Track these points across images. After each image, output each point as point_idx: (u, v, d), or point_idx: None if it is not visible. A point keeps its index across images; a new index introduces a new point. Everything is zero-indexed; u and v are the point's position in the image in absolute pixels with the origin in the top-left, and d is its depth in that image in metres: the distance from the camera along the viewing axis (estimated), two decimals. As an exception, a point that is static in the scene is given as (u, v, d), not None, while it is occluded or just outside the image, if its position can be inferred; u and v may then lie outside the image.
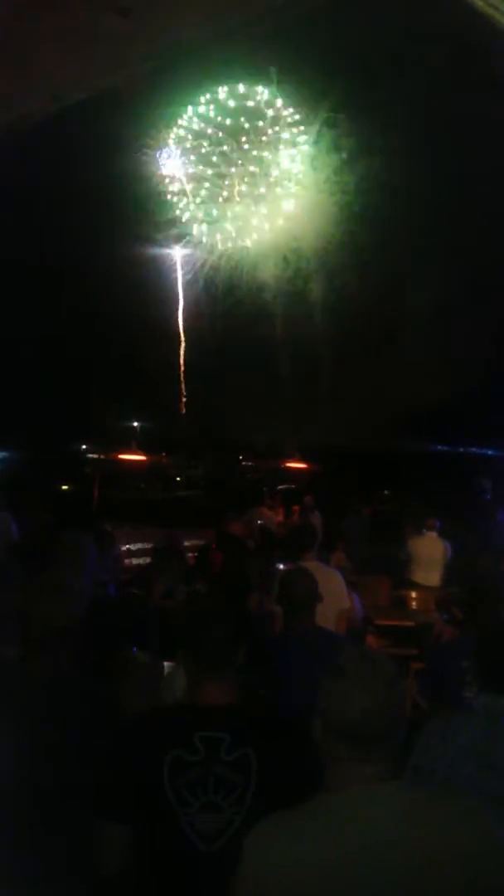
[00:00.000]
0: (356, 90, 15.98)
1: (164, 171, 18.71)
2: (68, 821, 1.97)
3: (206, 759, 1.91)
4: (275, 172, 18.81)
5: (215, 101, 17.71)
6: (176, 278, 20.96)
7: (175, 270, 20.89)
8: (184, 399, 22.21)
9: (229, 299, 20.30)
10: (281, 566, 5.91)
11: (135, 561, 9.40)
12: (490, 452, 21.06)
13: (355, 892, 1.39)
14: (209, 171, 18.72)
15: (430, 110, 15.14)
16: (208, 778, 1.90)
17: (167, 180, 18.86)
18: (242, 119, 17.87)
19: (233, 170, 18.66)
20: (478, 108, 12.09)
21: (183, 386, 22.24)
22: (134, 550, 10.25)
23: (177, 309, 21.67)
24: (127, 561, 9.37)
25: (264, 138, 18.13)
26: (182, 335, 22.01)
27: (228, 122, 17.95)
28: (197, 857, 1.86)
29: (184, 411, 22.14)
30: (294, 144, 18.23)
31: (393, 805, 1.45)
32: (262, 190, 19.05)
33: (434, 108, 14.93)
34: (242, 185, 18.91)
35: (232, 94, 17.54)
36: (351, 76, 15.49)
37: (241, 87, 17.48)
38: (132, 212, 18.45)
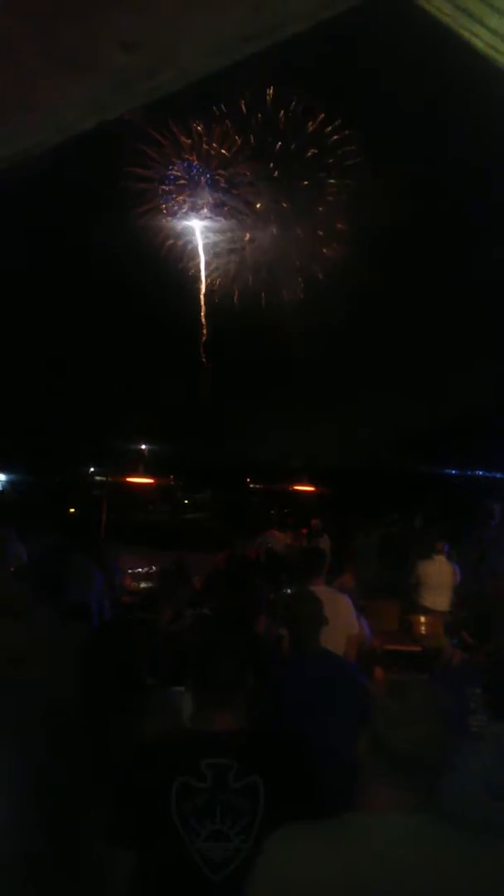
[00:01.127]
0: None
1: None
2: (74, 848, 1.94)
3: (214, 787, 1.89)
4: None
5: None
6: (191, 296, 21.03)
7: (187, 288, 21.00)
8: (191, 422, 22.27)
9: (238, 320, 20.42)
10: (288, 590, 5.86)
11: (142, 584, 9.35)
12: (499, 476, 20.97)
13: None
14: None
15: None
16: (216, 806, 1.88)
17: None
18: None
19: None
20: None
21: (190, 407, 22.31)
22: (141, 574, 10.19)
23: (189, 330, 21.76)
24: (134, 584, 9.33)
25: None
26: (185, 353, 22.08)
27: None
28: (205, 886, 1.84)
29: (191, 435, 22.20)
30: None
31: (418, 836, 1.44)
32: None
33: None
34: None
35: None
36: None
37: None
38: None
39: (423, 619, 7.65)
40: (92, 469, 25.87)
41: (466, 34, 1.37)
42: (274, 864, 1.47)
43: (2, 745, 1.96)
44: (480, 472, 22.40)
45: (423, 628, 7.46)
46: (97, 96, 1.33)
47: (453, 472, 23.79)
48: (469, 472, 23.13)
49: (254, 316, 20.35)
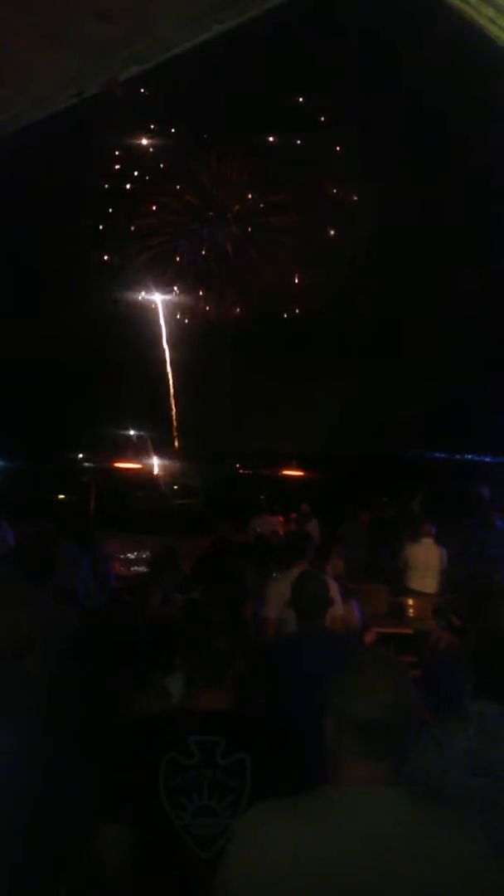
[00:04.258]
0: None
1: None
2: (62, 821, 1.96)
3: (201, 763, 1.92)
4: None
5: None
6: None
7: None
8: (179, 408, 22.22)
9: (229, 301, 20.36)
10: (274, 574, 5.87)
11: (132, 570, 9.36)
12: (488, 459, 21.08)
13: (341, 886, 1.39)
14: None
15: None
16: (203, 782, 1.91)
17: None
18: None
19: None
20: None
21: (176, 394, 22.26)
22: (131, 559, 10.20)
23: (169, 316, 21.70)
24: (124, 569, 9.33)
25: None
26: (171, 343, 22.04)
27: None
28: (195, 862, 1.86)
29: (180, 420, 22.17)
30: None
31: (393, 808, 1.45)
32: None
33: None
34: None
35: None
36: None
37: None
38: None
39: (411, 601, 7.71)
40: (81, 455, 25.79)
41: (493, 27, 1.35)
42: (252, 838, 1.47)
43: (5, 726, 1.96)
44: (469, 456, 22.50)
45: (411, 611, 7.53)
46: (74, 67, 1.30)
47: (443, 455, 23.90)
48: (458, 456, 23.24)
49: (241, 302, 20.29)
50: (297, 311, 20.43)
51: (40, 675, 2.17)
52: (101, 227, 19.44)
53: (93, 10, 1.13)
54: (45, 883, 1.95)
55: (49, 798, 1.96)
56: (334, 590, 4.59)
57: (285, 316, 20.49)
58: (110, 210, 19.31)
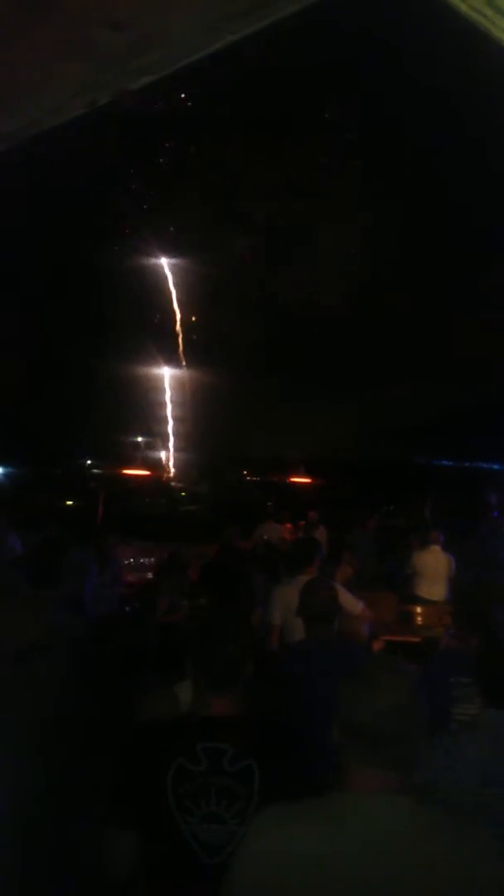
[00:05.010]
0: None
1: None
2: (69, 825, 1.96)
3: (209, 770, 1.91)
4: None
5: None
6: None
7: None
8: (183, 415, 22.24)
9: (234, 311, 20.40)
10: (282, 581, 5.87)
11: (139, 576, 9.36)
12: (496, 467, 20.99)
13: (347, 892, 1.39)
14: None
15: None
16: (211, 789, 1.90)
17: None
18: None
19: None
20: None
21: (184, 399, 22.27)
22: (138, 565, 10.20)
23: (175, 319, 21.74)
24: (131, 576, 9.33)
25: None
26: (181, 346, 22.07)
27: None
28: (201, 869, 1.86)
29: (184, 427, 22.17)
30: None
31: (400, 816, 1.44)
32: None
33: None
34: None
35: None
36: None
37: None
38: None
39: (419, 609, 7.67)
40: (89, 461, 25.86)
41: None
42: (260, 843, 1.47)
43: (13, 729, 1.97)
44: (479, 464, 22.42)
45: (419, 618, 7.48)
46: (87, 77, 1.31)
47: (451, 463, 23.81)
48: (467, 464, 23.15)
49: (249, 306, 20.30)
50: (309, 313, 20.40)
51: (48, 679, 2.17)
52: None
53: (106, 20, 1.13)
54: (51, 884, 1.95)
55: (55, 800, 1.96)
56: (347, 593, 4.58)
57: (297, 318, 20.46)
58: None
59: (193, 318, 21.26)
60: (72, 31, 1.24)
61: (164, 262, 20.67)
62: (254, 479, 27.01)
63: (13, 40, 1.21)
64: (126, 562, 9.96)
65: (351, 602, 4.51)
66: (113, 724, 2.28)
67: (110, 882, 1.91)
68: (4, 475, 24.21)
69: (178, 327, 21.60)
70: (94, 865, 1.91)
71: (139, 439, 24.45)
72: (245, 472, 27.37)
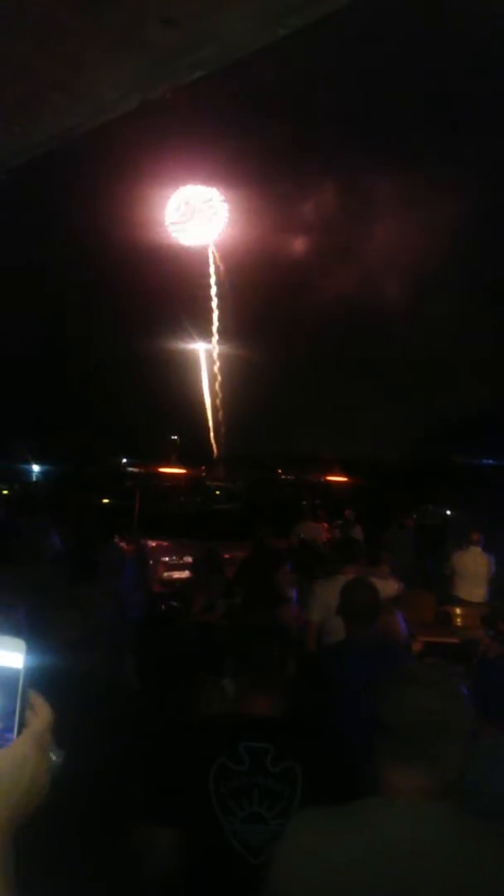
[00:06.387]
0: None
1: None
2: (113, 823, 1.97)
3: (251, 770, 1.91)
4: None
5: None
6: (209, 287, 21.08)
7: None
8: (221, 412, 22.24)
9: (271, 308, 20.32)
10: (320, 580, 5.84)
11: (175, 575, 9.41)
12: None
13: None
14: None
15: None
16: (253, 789, 1.90)
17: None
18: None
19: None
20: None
21: (220, 399, 22.28)
22: (173, 564, 10.25)
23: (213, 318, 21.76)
24: (167, 574, 9.39)
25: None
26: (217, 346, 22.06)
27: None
28: (243, 868, 1.85)
29: (222, 425, 22.18)
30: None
31: (436, 822, 1.41)
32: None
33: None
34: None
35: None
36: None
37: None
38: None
39: (458, 610, 7.56)
40: (125, 460, 26.09)
41: None
42: (294, 846, 1.46)
43: (63, 725, 1.99)
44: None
45: (458, 620, 7.38)
46: (139, 74, 1.31)
47: (492, 462, 23.37)
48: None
49: (287, 303, 20.21)
50: (355, 309, 20.23)
51: (94, 674, 2.18)
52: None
53: (157, 16, 1.13)
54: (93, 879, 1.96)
55: (100, 797, 1.97)
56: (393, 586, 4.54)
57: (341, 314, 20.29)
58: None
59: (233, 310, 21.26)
60: (123, 26, 1.24)
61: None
62: (289, 477, 26.95)
63: (67, 39, 1.21)
64: (162, 560, 10.04)
65: (386, 585, 4.47)
66: (156, 720, 2.28)
67: (150, 879, 1.91)
68: (42, 473, 24.60)
69: (214, 324, 21.65)
70: (135, 862, 1.91)
71: (174, 437, 24.58)
72: (280, 470, 27.33)
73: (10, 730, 0.87)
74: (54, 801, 0.96)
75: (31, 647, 0.89)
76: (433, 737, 1.44)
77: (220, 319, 21.52)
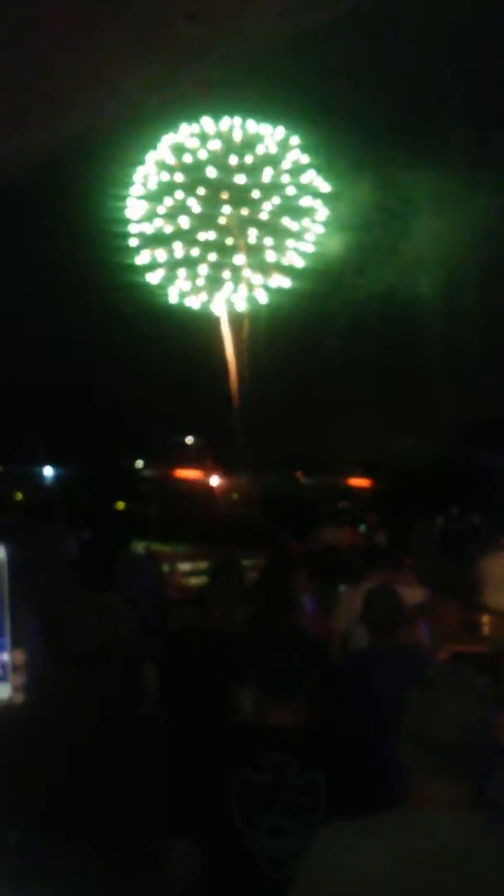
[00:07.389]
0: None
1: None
2: (135, 837, 1.93)
3: (274, 782, 1.89)
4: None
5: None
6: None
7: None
8: (240, 415, 22.19)
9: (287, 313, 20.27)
10: (342, 587, 5.77)
11: (192, 581, 9.36)
12: None
13: None
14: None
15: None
16: (276, 801, 1.88)
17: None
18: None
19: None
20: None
21: (238, 402, 22.23)
22: (190, 570, 10.21)
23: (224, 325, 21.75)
24: (184, 581, 9.33)
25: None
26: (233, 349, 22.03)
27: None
28: (266, 882, 1.83)
29: (240, 428, 22.11)
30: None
31: (469, 833, 1.39)
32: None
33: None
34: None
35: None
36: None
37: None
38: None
39: (486, 618, 7.42)
40: (141, 463, 26.11)
41: None
42: (323, 859, 1.44)
43: (80, 736, 1.95)
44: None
45: (486, 628, 7.24)
46: (164, 68, 1.27)
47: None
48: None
49: (305, 304, 20.14)
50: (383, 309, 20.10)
51: (111, 685, 2.13)
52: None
53: (183, 12, 1.09)
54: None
55: (121, 810, 1.93)
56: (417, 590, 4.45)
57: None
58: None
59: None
60: (150, 24, 1.19)
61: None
62: (310, 480, 26.84)
63: (93, 35, 1.17)
64: (179, 565, 10.00)
65: (411, 592, 4.43)
66: (177, 730, 2.24)
67: (172, 893, 1.89)
68: (57, 478, 24.67)
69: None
70: (156, 875, 1.87)
71: (190, 440, 24.56)
72: (300, 474, 27.21)
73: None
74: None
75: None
76: (470, 749, 1.43)
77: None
